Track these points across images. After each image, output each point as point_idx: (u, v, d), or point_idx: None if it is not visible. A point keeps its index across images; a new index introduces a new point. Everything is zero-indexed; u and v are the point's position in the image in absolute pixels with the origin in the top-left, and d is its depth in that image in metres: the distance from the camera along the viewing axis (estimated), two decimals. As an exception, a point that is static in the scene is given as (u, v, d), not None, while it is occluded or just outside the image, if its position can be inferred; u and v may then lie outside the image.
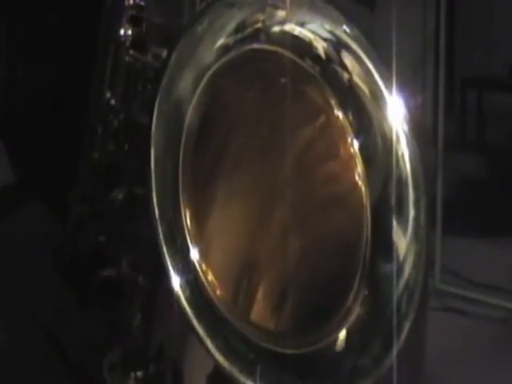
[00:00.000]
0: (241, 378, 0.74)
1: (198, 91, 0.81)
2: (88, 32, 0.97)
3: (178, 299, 0.76)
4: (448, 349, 2.11)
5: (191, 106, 0.81)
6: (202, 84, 0.81)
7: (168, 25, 0.93)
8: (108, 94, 0.95)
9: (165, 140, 0.79)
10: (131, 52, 0.94)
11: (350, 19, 0.83)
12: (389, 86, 0.79)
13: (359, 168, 0.80)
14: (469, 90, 3.72)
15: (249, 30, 0.81)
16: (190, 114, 0.81)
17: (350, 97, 0.80)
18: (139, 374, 0.89)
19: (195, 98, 0.81)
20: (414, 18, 2.87)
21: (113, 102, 0.95)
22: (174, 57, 0.79)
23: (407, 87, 0.84)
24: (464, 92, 3.72)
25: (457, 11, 3.33)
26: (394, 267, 0.75)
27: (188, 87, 0.81)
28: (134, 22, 0.94)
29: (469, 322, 2.35)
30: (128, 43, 0.94)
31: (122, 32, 0.94)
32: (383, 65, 0.80)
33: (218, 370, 0.78)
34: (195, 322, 0.75)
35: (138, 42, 0.94)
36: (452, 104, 3.52)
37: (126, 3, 0.94)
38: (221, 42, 0.81)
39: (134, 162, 0.92)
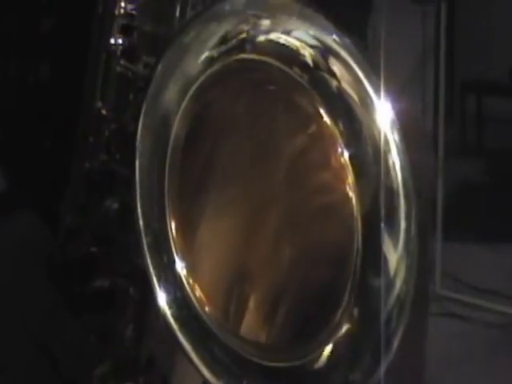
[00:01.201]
0: None
1: (185, 102, 0.80)
2: (79, 41, 0.96)
3: (163, 315, 0.76)
4: (448, 354, 2.10)
5: (178, 116, 0.80)
6: (189, 95, 0.80)
7: (159, 34, 0.93)
8: (99, 104, 0.95)
9: (151, 150, 0.79)
10: (122, 62, 0.93)
11: (340, 26, 0.82)
12: (378, 92, 0.78)
13: (350, 178, 0.79)
14: (468, 94, 3.72)
15: (233, 42, 0.80)
16: (176, 125, 0.80)
17: (339, 104, 0.79)
18: (130, 385, 0.89)
19: (182, 109, 0.80)
20: (414, 22, 2.87)
21: (104, 111, 0.95)
22: (160, 67, 0.79)
23: (399, 94, 0.83)
24: (464, 96, 3.72)
25: (456, 16, 3.33)
26: (383, 280, 0.74)
27: (175, 98, 0.80)
28: (125, 31, 0.94)
29: (469, 327, 2.35)
30: (119, 52, 0.94)
31: (112, 41, 0.93)
32: (373, 72, 0.79)
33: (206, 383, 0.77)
34: (180, 336, 0.75)
35: (129, 52, 0.94)
36: (452, 108, 3.52)
37: (117, 12, 0.94)
38: (206, 54, 0.80)
39: (126, 172, 0.91)
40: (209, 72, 0.80)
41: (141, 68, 0.93)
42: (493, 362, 2.17)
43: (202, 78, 0.80)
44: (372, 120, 0.78)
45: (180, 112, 0.80)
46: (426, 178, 1.21)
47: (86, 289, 0.93)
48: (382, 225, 0.75)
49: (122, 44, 0.93)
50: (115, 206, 0.94)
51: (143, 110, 0.78)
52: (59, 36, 1.04)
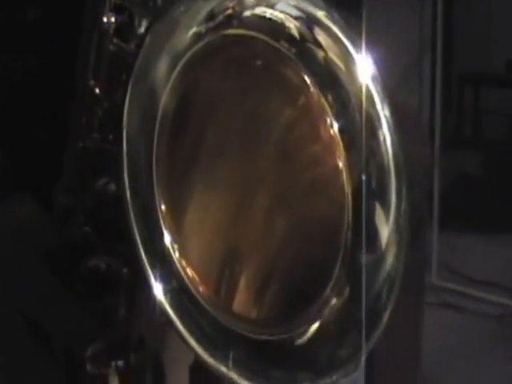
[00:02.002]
0: (214, 364, 0.74)
1: (173, 76, 0.80)
2: (71, 20, 0.96)
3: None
4: (445, 344, 2.10)
5: (166, 90, 0.80)
6: (177, 69, 0.80)
7: (151, 13, 0.93)
8: (92, 82, 0.94)
9: (138, 127, 0.78)
10: (115, 40, 0.93)
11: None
12: (360, 51, 0.78)
13: (340, 150, 0.79)
14: (466, 86, 3.71)
15: (220, 18, 0.80)
16: (164, 99, 0.80)
17: (326, 75, 0.79)
18: (120, 363, 0.89)
19: (170, 83, 0.80)
20: (412, 14, 2.87)
21: (97, 90, 0.94)
22: (148, 40, 0.79)
23: (388, 72, 0.82)
24: (461, 88, 3.71)
25: (454, 7, 3.32)
26: (365, 254, 0.74)
27: (163, 72, 0.80)
28: (118, 10, 0.94)
29: (465, 318, 2.34)
30: (111, 31, 0.93)
31: (105, 19, 0.93)
32: (355, 35, 0.79)
33: (197, 361, 0.77)
34: (168, 307, 0.75)
35: (121, 31, 0.93)
36: (449, 100, 3.51)
37: (110, -9, 0.93)
38: (193, 29, 0.80)
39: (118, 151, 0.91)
40: (196, 47, 0.80)
41: (133, 47, 0.93)
42: (489, 353, 2.17)
43: (189, 53, 0.80)
44: (359, 87, 0.78)
45: (168, 86, 0.80)
46: (423, 167, 1.21)
47: (79, 269, 0.93)
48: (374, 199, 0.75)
49: (114, 22, 0.93)
50: (109, 185, 0.93)
51: (131, 82, 0.78)
52: (51, 15, 1.04)
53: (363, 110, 0.75)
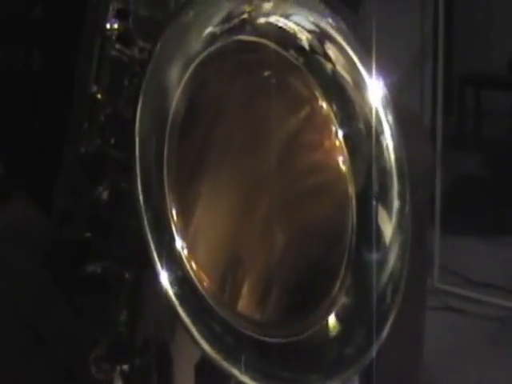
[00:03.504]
0: (225, 365, 0.74)
1: (183, 82, 0.81)
2: (74, 25, 0.96)
3: (164, 291, 0.76)
4: (446, 347, 2.11)
5: (176, 97, 0.81)
6: (187, 75, 0.81)
7: (154, 18, 0.93)
8: (94, 88, 0.95)
9: (150, 129, 0.79)
10: (117, 46, 0.94)
11: (336, 12, 0.83)
12: (371, 73, 0.79)
13: (344, 158, 0.81)
14: (467, 87, 3.72)
15: (235, 21, 0.81)
16: (174, 106, 0.81)
17: (333, 87, 0.80)
18: (125, 367, 0.89)
19: (180, 89, 0.81)
20: (413, 15, 2.88)
21: (99, 96, 0.95)
22: (159, 46, 0.80)
23: (394, 78, 0.83)
24: (462, 89, 3.72)
25: (455, 8, 3.33)
26: (375, 255, 0.74)
27: (173, 78, 0.81)
28: (121, 15, 0.94)
29: (467, 321, 2.35)
30: (114, 37, 0.94)
31: (108, 25, 0.93)
32: (366, 56, 0.80)
33: (204, 362, 0.78)
34: (180, 311, 0.75)
35: (124, 36, 0.94)
36: (450, 101, 3.52)
37: (112, -4, 0.94)
38: (208, 30, 0.81)
39: (121, 156, 0.91)
40: (208, 51, 0.81)
41: (136, 52, 0.93)
42: (491, 355, 2.17)
43: (201, 56, 0.81)
44: (365, 101, 0.79)
45: (178, 92, 0.81)
46: (424, 169, 1.22)
47: (79, 273, 0.93)
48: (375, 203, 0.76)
49: (117, 28, 0.94)
50: (110, 190, 0.94)
51: (143, 88, 0.78)
52: (54, 20, 1.04)
53: (372, 136, 0.76)
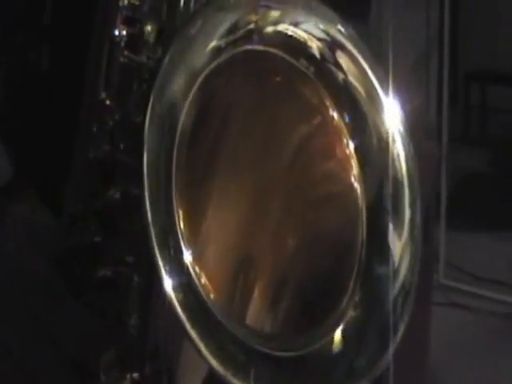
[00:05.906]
0: (234, 381, 0.74)
1: (192, 92, 0.80)
2: (83, 32, 0.96)
3: (170, 302, 0.76)
4: (452, 343, 2.11)
5: (185, 106, 0.80)
6: (196, 85, 0.80)
7: (162, 25, 0.93)
8: (103, 94, 0.95)
9: (158, 140, 0.79)
10: (126, 53, 0.93)
11: (346, 19, 0.82)
12: (384, 86, 0.78)
13: (355, 169, 0.80)
14: (473, 83, 3.71)
15: (241, 32, 0.80)
16: (183, 115, 0.80)
17: (345, 97, 0.80)
18: (135, 375, 0.89)
19: (189, 99, 0.80)
20: (418, 13, 2.87)
21: (108, 102, 0.95)
22: (167, 58, 0.79)
23: (404, 86, 0.83)
24: (468, 86, 3.71)
25: (460, 5, 3.32)
26: (389, 269, 0.74)
27: (181, 88, 0.80)
28: (129, 22, 0.94)
29: (472, 317, 2.35)
30: (123, 44, 0.94)
31: (116, 32, 0.93)
32: (379, 65, 0.79)
33: (213, 373, 0.77)
34: (188, 326, 0.75)
35: (132, 43, 0.94)
36: (456, 98, 3.51)
37: (121, 3, 0.93)
38: (213, 44, 0.80)
39: (129, 162, 0.91)
40: (215, 63, 0.80)
41: (144, 59, 0.93)
42: (496, 351, 2.18)
43: (208, 69, 0.80)
44: (377, 112, 0.79)
45: (187, 102, 0.80)
46: (430, 167, 1.21)
47: (89, 277, 0.93)
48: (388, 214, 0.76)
49: (125, 35, 0.93)
50: (119, 195, 0.94)
51: (151, 102, 0.78)
52: (63, 27, 1.04)
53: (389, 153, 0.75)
